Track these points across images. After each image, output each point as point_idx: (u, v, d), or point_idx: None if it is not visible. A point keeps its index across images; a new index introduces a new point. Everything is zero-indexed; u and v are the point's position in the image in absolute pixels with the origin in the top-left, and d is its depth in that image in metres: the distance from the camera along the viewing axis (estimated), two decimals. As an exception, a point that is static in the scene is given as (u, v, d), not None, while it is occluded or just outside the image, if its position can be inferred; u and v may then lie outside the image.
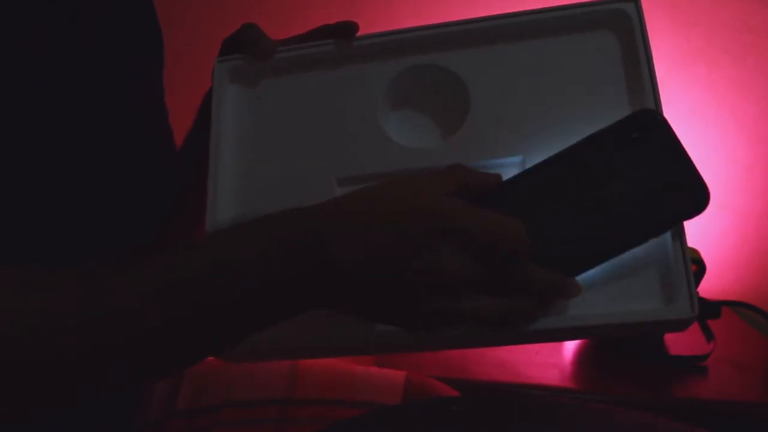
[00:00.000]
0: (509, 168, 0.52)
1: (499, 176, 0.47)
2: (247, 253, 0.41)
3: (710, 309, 1.07)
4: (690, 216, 0.45)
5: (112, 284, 0.39)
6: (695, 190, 0.45)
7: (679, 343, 1.07)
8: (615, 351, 1.06)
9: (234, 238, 0.42)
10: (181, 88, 0.73)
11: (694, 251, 1.03)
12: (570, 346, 1.11)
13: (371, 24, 0.60)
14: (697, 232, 0.47)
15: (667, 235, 0.47)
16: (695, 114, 1.21)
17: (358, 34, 0.57)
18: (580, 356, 1.08)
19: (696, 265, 1.02)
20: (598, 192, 0.46)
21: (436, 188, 0.43)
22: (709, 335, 1.09)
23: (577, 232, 0.46)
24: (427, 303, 0.42)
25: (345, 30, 0.57)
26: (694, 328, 1.11)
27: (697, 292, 0.47)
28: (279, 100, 0.58)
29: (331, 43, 0.58)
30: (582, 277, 0.46)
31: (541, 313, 0.46)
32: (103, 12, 0.57)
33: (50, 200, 0.54)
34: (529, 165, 0.50)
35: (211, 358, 0.74)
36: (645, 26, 0.52)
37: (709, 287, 1.14)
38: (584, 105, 0.52)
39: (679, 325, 0.47)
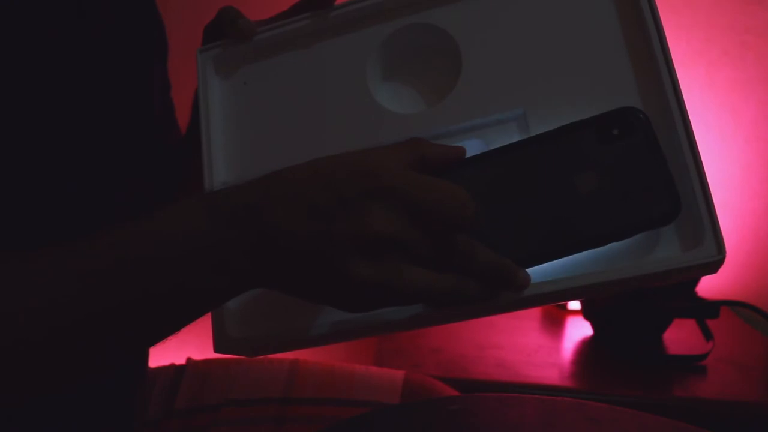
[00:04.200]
0: (510, 124, 0.49)
1: (461, 150, 0.45)
2: (185, 231, 0.40)
3: (709, 309, 1.07)
4: (657, 225, 0.42)
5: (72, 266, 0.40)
6: (667, 199, 0.42)
7: (678, 343, 1.08)
8: (614, 351, 1.06)
9: (172, 217, 0.42)
10: (180, 87, 0.73)
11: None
12: (569, 346, 1.11)
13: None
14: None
15: (685, 173, 0.43)
16: (694, 115, 1.20)
17: (339, 2, 0.55)
18: (580, 356, 1.09)
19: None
20: (563, 184, 0.42)
21: (385, 158, 0.41)
22: (708, 335, 1.09)
23: (535, 222, 0.43)
24: (360, 268, 0.39)
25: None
26: (693, 328, 1.11)
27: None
28: (266, 82, 0.56)
29: (311, 16, 0.55)
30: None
31: (486, 298, 0.42)
32: (103, 12, 0.57)
33: (50, 200, 0.54)
34: (531, 118, 0.47)
35: (210, 356, 0.75)
36: None
37: (707, 287, 1.14)
38: (584, 50, 0.49)
39: (707, 269, 0.43)
